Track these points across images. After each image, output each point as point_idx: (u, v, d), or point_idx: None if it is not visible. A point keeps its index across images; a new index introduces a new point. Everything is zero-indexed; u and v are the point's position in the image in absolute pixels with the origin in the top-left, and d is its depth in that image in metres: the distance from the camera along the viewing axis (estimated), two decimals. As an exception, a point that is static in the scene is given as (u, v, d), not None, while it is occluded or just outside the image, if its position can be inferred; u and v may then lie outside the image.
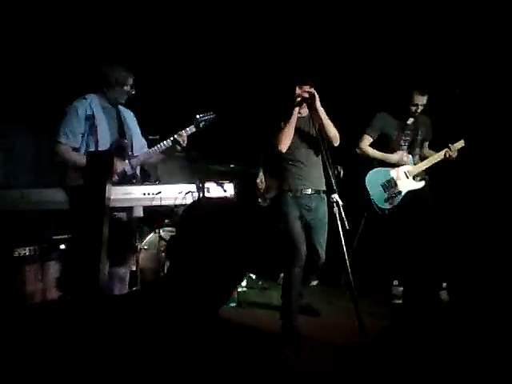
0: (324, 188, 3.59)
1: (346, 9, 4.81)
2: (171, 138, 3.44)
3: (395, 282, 4.38)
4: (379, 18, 4.74)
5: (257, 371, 1.04)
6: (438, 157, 4.22)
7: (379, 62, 4.78)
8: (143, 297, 1.17)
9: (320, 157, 3.58)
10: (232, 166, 4.78)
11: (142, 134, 3.66)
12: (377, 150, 4.26)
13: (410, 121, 4.26)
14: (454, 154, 4.17)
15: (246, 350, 1.08)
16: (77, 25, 4.62)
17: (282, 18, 4.96)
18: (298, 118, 3.57)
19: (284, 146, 3.54)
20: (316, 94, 3.47)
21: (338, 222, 3.23)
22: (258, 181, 4.82)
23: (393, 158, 4.24)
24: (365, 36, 4.83)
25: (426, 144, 4.39)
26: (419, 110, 4.15)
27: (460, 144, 4.19)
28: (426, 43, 4.62)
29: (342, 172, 3.96)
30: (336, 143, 3.61)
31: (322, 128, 3.52)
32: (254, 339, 1.12)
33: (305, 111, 3.61)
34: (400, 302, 4.32)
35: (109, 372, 1.00)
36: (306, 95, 3.48)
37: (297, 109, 3.54)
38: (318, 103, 3.48)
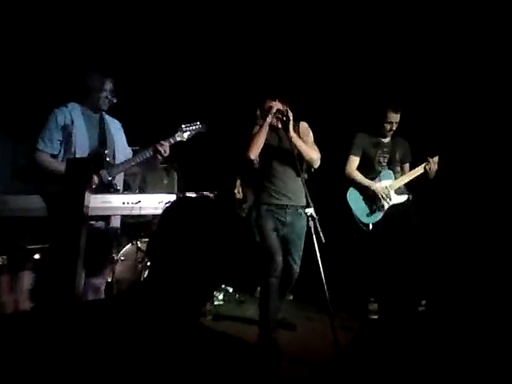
0: (303, 203, 3.55)
1: (321, 29, 4.88)
2: (151, 148, 3.41)
3: (372, 299, 4.41)
4: (355, 38, 4.83)
5: (232, 376, 1.04)
6: (417, 170, 4.26)
7: (354, 81, 4.85)
8: (123, 299, 1.15)
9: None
10: (216, 177, 4.78)
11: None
12: (357, 167, 4.31)
13: (387, 139, 4.34)
14: (434, 168, 4.20)
15: (222, 352, 1.08)
16: (58, 31, 4.60)
17: (264, 32, 5.02)
18: (277, 129, 3.59)
19: (252, 154, 3.54)
20: (290, 117, 3.49)
21: (314, 237, 3.22)
22: (236, 191, 4.84)
23: (375, 187, 4.26)
24: (341, 55, 4.90)
25: (407, 166, 4.43)
26: (394, 128, 4.24)
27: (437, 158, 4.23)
28: (400, 61, 4.72)
29: None
30: (315, 165, 3.63)
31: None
32: (229, 345, 1.12)
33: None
34: (376, 317, 4.34)
35: (85, 376, 0.97)
36: (275, 109, 3.52)
37: (268, 119, 3.54)
38: (290, 127, 3.49)
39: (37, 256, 3.49)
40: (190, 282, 1.13)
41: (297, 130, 3.65)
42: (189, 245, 1.12)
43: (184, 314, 1.12)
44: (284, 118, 3.52)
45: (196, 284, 1.13)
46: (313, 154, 3.62)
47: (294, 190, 3.61)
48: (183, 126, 3.55)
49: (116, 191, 3.30)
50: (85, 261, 3.04)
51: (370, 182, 4.28)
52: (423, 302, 4.25)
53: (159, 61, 5.13)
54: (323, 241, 3.22)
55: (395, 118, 4.19)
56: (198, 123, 3.61)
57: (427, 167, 4.21)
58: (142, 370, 1.00)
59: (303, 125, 3.76)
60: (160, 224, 1.20)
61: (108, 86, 3.41)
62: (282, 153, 3.63)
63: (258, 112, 3.70)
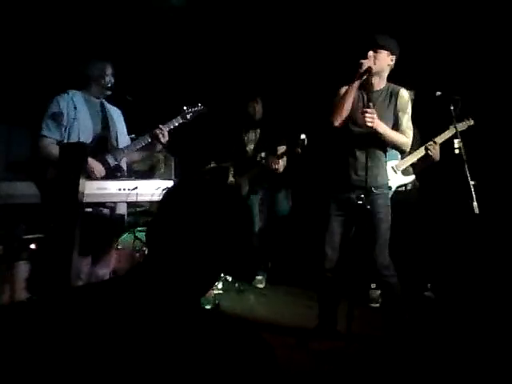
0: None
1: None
2: (150, 133, 3.37)
3: (373, 285, 4.35)
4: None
5: (240, 359, 0.98)
6: (420, 152, 4.16)
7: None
8: (118, 284, 1.07)
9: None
10: (213, 164, 4.74)
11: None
12: None
13: None
14: (435, 149, 4.10)
15: (229, 338, 1.02)
16: (55, 21, 4.54)
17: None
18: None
19: (335, 120, 3.17)
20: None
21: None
22: (229, 180, 4.80)
23: None
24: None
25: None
26: None
27: (440, 138, 4.11)
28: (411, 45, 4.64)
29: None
30: (407, 151, 3.37)
31: None
32: (235, 328, 1.05)
33: (380, 84, 3.24)
34: (377, 305, 4.29)
35: (85, 363, 0.92)
36: (365, 68, 3.09)
37: (356, 82, 3.14)
38: (369, 118, 3.07)
39: (33, 246, 3.45)
40: (190, 269, 1.05)
41: (393, 101, 3.23)
42: (191, 233, 1.04)
43: (184, 302, 1.04)
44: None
45: (197, 271, 1.06)
46: (399, 142, 3.22)
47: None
48: (185, 108, 3.53)
49: (124, 176, 3.29)
50: (90, 249, 3.02)
51: None
52: (429, 286, 4.21)
53: (155, 51, 5.07)
54: None
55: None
56: (200, 104, 3.57)
57: (429, 149, 4.12)
58: (144, 352, 0.95)
59: (403, 96, 3.25)
60: (160, 207, 1.13)
61: (109, 70, 3.41)
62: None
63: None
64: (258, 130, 5.02)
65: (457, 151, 3.80)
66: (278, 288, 4.82)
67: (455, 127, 3.79)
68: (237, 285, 4.66)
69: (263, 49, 5.15)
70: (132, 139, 3.58)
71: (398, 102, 3.23)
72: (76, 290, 1.20)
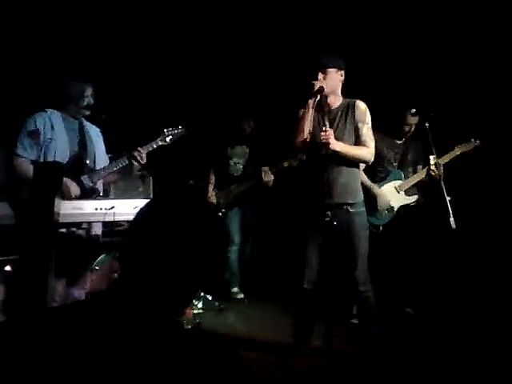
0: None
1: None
2: (128, 155, 3.34)
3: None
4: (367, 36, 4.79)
5: (218, 378, 0.97)
6: (422, 173, 4.18)
7: (369, 81, 4.78)
8: (93, 305, 1.05)
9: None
10: (191, 182, 4.72)
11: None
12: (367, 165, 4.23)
13: (402, 140, 4.32)
14: (438, 170, 3.95)
15: (206, 356, 1.00)
16: (33, 38, 4.52)
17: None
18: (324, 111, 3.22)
19: (298, 141, 3.23)
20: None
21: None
22: (209, 196, 4.81)
23: (377, 191, 4.15)
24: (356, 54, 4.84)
25: (420, 167, 4.35)
26: (411, 130, 4.22)
27: (444, 160, 4.08)
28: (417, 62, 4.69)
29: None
30: (367, 162, 3.38)
31: None
32: (212, 346, 1.03)
33: (336, 101, 3.30)
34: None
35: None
36: (317, 87, 3.16)
37: (310, 101, 3.19)
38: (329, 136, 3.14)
39: (8, 268, 3.38)
40: (163, 288, 1.04)
41: (351, 113, 3.29)
42: (162, 248, 1.03)
43: (160, 321, 1.02)
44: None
45: (170, 289, 1.05)
46: (361, 155, 3.27)
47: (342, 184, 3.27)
48: (165, 130, 3.49)
49: (100, 197, 3.26)
50: (65, 270, 2.97)
51: (371, 184, 4.15)
52: (410, 302, 4.22)
53: (136, 70, 5.06)
54: None
55: (414, 120, 4.15)
56: (180, 127, 3.54)
57: (431, 170, 4.10)
58: (119, 379, 0.93)
59: (360, 107, 3.30)
60: (131, 226, 1.11)
61: (89, 91, 3.37)
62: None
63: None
64: (245, 146, 5.09)
65: (433, 167, 3.85)
66: (259, 305, 4.79)
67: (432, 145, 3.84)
68: (217, 303, 4.62)
69: (250, 65, 5.18)
70: (110, 159, 3.56)
71: (355, 114, 3.28)
72: (51, 310, 1.17)
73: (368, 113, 3.32)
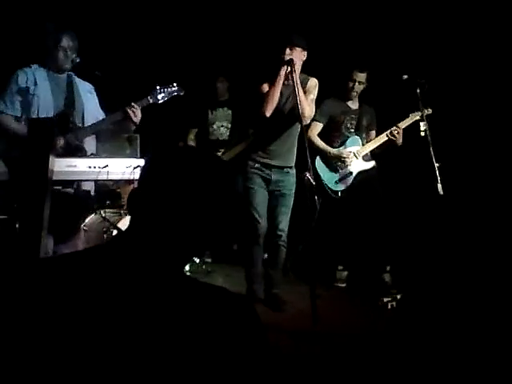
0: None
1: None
2: (121, 111, 3.17)
3: (340, 267, 4.42)
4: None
5: (227, 328, 0.97)
6: (381, 137, 4.24)
7: (326, 48, 4.78)
8: (98, 253, 1.05)
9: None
10: (181, 144, 4.69)
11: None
12: (325, 132, 4.28)
13: (355, 106, 4.33)
14: (398, 134, 4.15)
15: (215, 306, 1.00)
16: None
17: None
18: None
19: (267, 112, 3.44)
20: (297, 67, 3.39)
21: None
22: None
23: (332, 151, 4.23)
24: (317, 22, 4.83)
25: (373, 133, 4.41)
26: (358, 88, 4.22)
27: (404, 123, 4.17)
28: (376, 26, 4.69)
29: None
30: (304, 122, 3.49)
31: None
32: (222, 296, 1.04)
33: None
34: (344, 285, 4.37)
35: (65, 334, 0.90)
36: (289, 59, 3.37)
37: (282, 71, 3.40)
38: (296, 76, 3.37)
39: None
40: (173, 236, 1.03)
41: (303, 85, 3.55)
42: (176, 201, 1.02)
43: (168, 269, 1.03)
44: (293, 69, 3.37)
45: (180, 237, 1.04)
46: (306, 109, 3.47)
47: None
48: (158, 87, 3.30)
49: (84, 155, 3.14)
50: (53, 228, 2.93)
51: (328, 147, 4.24)
52: (388, 268, 4.28)
53: (129, 24, 4.95)
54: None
55: (360, 77, 4.17)
56: (175, 85, 3.37)
57: (390, 135, 4.18)
58: (126, 323, 0.93)
59: (312, 81, 3.64)
60: (142, 174, 1.10)
61: (65, 42, 3.16)
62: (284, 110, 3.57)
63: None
64: (226, 108, 5.05)
65: (422, 134, 3.90)
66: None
67: (422, 111, 3.88)
68: (204, 266, 4.66)
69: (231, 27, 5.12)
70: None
71: (308, 85, 3.60)
72: (52, 260, 1.17)
73: (317, 88, 3.65)
